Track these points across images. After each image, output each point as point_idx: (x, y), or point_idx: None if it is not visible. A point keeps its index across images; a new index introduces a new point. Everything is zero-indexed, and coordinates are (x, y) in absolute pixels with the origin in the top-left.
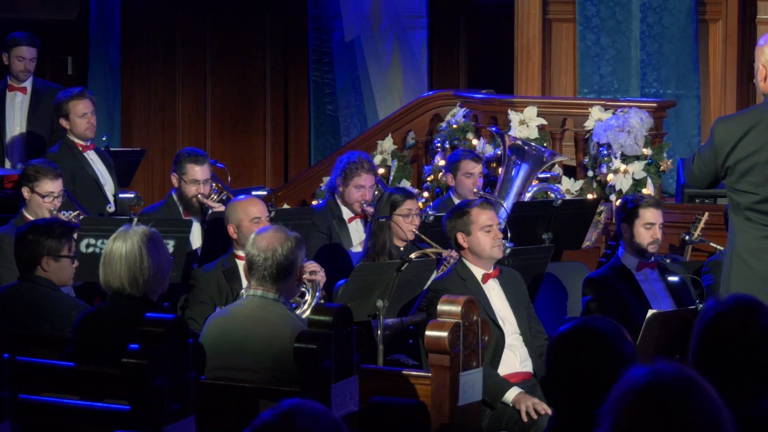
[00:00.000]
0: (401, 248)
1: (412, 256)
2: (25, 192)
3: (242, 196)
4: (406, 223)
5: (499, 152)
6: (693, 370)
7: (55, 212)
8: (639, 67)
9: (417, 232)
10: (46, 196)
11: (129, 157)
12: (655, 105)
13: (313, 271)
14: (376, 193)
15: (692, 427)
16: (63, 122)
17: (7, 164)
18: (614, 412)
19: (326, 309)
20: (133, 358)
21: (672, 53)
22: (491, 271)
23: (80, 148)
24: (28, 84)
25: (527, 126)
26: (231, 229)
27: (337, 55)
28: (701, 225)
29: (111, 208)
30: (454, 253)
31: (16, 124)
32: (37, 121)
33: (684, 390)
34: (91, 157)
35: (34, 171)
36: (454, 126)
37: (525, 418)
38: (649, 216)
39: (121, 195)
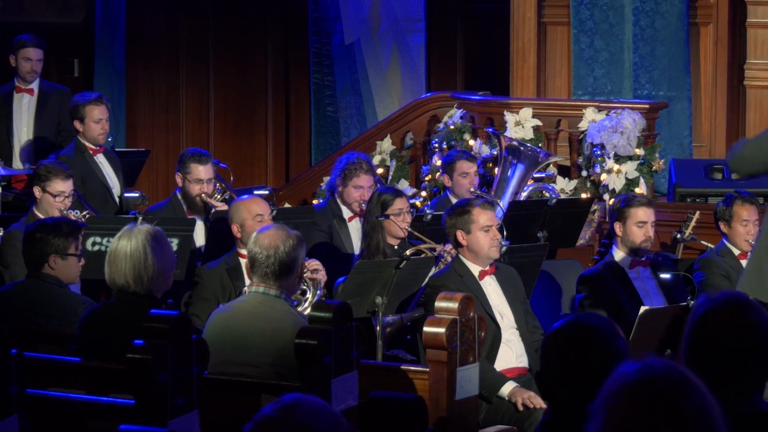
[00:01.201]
0: (395, 246)
1: (408, 252)
2: (37, 191)
3: (245, 196)
4: (398, 221)
5: (495, 152)
6: (684, 365)
7: (65, 212)
8: (632, 70)
9: (409, 228)
10: (57, 196)
11: (134, 158)
12: (647, 106)
13: (315, 269)
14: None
15: (683, 422)
16: (77, 124)
17: (16, 164)
18: (606, 407)
19: (326, 306)
20: (137, 354)
21: (664, 56)
22: (488, 268)
23: (91, 152)
24: (34, 86)
25: (522, 127)
26: (235, 228)
27: (337, 58)
28: (692, 224)
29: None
30: (447, 247)
31: (24, 125)
32: (43, 122)
33: (674, 385)
34: (101, 160)
35: (46, 171)
36: (452, 127)
37: (521, 407)
38: (642, 215)
39: (126, 194)
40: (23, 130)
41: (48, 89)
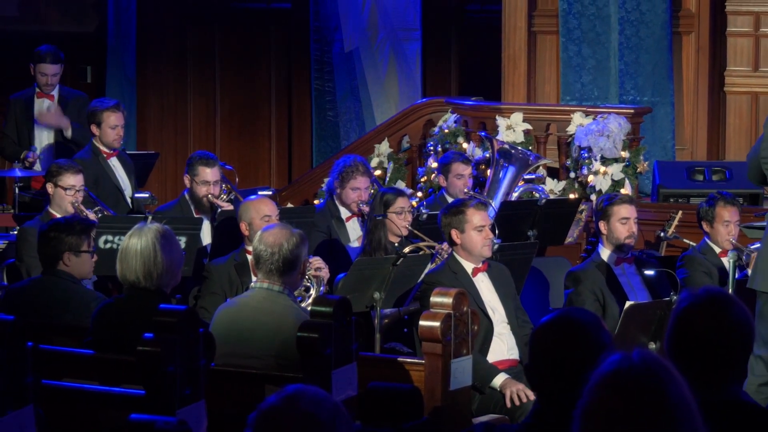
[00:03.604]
0: (396, 244)
1: (406, 250)
2: (50, 187)
3: (254, 196)
4: (399, 220)
5: (487, 155)
6: (668, 357)
7: (77, 205)
8: (617, 76)
9: (410, 227)
10: (68, 189)
11: (144, 160)
12: (632, 111)
13: (318, 267)
14: (372, 192)
15: (656, 412)
16: (94, 129)
17: (37, 167)
18: (585, 397)
19: (327, 300)
20: (147, 346)
21: (648, 63)
22: (480, 265)
23: (105, 155)
24: (54, 92)
25: (514, 131)
26: (243, 227)
27: (337, 65)
28: (675, 222)
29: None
30: (445, 246)
31: (44, 129)
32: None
33: (648, 376)
34: (114, 163)
35: (57, 167)
36: (446, 131)
37: (509, 404)
38: (624, 211)
39: (136, 195)
40: (44, 134)
41: (67, 95)
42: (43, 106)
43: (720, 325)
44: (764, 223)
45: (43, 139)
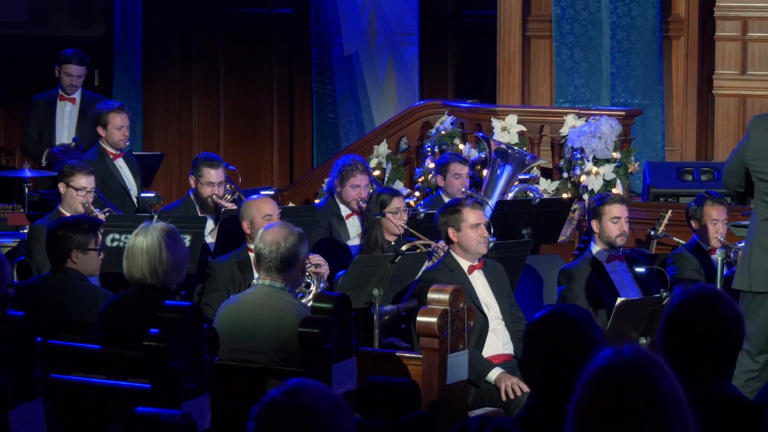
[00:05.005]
0: (392, 242)
1: (403, 248)
2: (61, 187)
3: (255, 196)
4: (395, 219)
5: (483, 156)
6: (660, 352)
7: (87, 205)
8: (609, 80)
9: (406, 226)
10: (80, 190)
11: (150, 161)
12: (623, 113)
13: (318, 264)
14: (371, 191)
15: (647, 406)
16: (100, 130)
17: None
18: (578, 391)
19: (327, 297)
20: (153, 342)
21: (639, 67)
22: (476, 263)
23: (111, 156)
24: (77, 95)
25: (508, 132)
26: (245, 225)
27: (337, 68)
28: (665, 221)
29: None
30: (440, 244)
31: (65, 131)
32: (84, 129)
33: (640, 371)
34: (120, 164)
35: (69, 168)
36: (443, 132)
37: (504, 398)
38: (616, 211)
39: (142, 195)
40: (64, 136)
41: (89, 99)
42: (64, 109)
43: (711, 322)
44: None
45: (64, 138)
